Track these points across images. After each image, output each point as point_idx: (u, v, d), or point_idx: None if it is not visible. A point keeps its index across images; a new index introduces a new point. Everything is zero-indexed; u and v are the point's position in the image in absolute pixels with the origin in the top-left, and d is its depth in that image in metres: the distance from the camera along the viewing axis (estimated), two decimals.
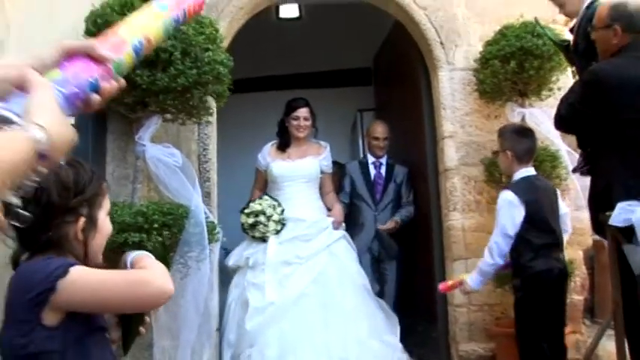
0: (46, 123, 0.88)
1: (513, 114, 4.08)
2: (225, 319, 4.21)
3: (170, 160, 3.01)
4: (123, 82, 1.11)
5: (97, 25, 2.75)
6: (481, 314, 4.31)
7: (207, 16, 3.13)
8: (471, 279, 3.52)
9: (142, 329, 1.57)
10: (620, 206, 2.83)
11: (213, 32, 2.91)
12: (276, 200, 4.31)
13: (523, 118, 4.04)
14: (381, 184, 4.99)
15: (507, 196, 3.35)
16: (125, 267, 1.54)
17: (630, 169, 2.77)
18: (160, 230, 2.69)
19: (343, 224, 4.63)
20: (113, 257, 1.62)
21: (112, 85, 1.07)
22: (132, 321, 1.54)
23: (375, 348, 4.13)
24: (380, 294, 4.77)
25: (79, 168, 1.53)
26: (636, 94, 2.72)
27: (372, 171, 5.04)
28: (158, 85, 2.69)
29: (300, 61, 6.87)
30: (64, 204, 1.48)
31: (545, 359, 3.25)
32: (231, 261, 4.34)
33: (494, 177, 4.10)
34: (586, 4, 3.26)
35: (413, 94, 4.86)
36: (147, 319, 1.58)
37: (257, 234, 4.22)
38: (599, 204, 3.01)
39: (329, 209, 4.56)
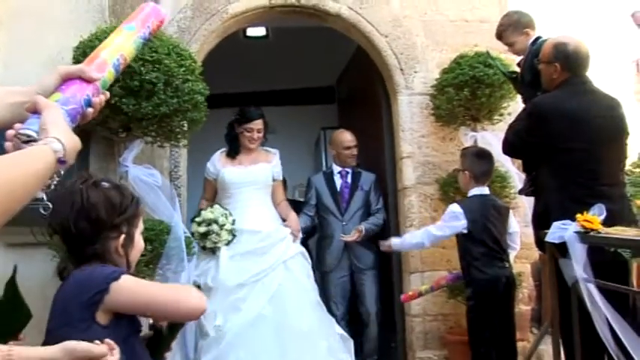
0: (61, 136, 1.16)
1: (466, 137, 4.52)
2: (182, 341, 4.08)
3: (150, 180, 3.35)
4: (107, 94, 1.43)
5: (86, 55, 3.06)
6: (436, 324, 4.72)
7: (186, 49, 3.48)
8: (394, 241, 4.23)
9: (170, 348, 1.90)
10: (556, 225, 3.24)
11: (192, 64, 3.26)
12: (226, 209, 4.24)
13: (475, 141, 4.48)
14: (347, 193, 4.96)
15: (453, 208, 3.90)
16: None
17: (566, 193, 3.20)
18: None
19: (300, 234, 4.57)
20: None
21: (100, 99, 1.38)
22: (162, 333, 1.87)
23: None
24: (356, 308, 4.90)
25: (123, 191, 1.86)
26: (570, 125, 3.15)
27: (338, 181, 5.02)
28: (142, 113, 3.02)
29: (265, 78, 7.21)
30: (110, 221, 1.77)
31: None
32: (182, 281, 4.06)
33: (449, 195, 4.53)
34: (531, 41, 3.74)
35: (374, 115, 5.26)
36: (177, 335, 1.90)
37: (208, 244, 4.08)
38: (541, 223, 3.43)
39: (283, 220, 4.50)
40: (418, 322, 4.72)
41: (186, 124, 3.29)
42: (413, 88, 4.85)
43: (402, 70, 4.88)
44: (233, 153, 4.54)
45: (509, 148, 3.64)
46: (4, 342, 1.57)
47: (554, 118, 3.20)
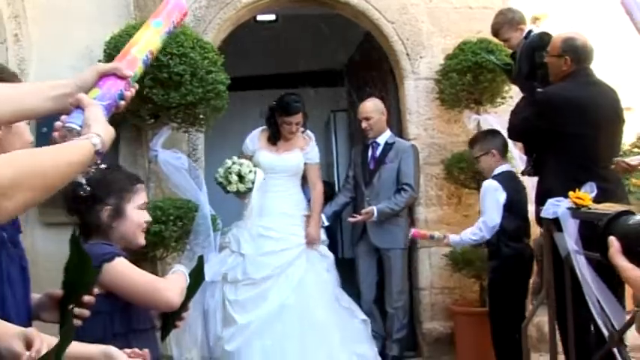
0: (101, 131, 1.39)
1: (469, 120, 4.90)
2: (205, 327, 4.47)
3: (178, 163, 3.76)
4: (136, 86, 1.63)
5: (118, 49, 3.44)
6: (441, 296, 5.13)
7: (209, 42, 3.86)
8: (453, 238, 4.40)
9: (178, 323, 2.16)
10: (550, 201, 3.62)
11: (215, 56, 3.64)
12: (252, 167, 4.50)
13: (478, 123, 4.85)
14: (373, 166, 4.96)
15: (492, 184, 4.18)
16: None
17: (570, 175, 3.57)
18: (174, 221, 3.43)
19: (323, 237, 4.81)
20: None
21: (131, 92, 1.59)
22: (170, 315, 2.14)
23: (345, 359, 4.46)
24: (379, 287, 5.00)
25: (115, 170, 2.21)
26: (579, 113, 3.52)
27: (369, 153, 5.02)
28: (170, 102, 3.42)
29: (275, 62, 7.56)
30: (97, 195, 2.06)
31: (516, 343, 4.02)
32: (208, 276, 4.29)
33: (453, 175, 4.92)
34: (524, 35, 4.11)
35: (382, 98, 5.62)
36: (184, 315, 2.16)
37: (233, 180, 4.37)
38: (543, 201, 3.81)
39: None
40: (425, 294, 5.13)
41: (209, 111, 3.67)
42: (419, 73, 5.22)
43: (408, 55, 5.24)
44: (273, 138, 4.79)
45: (515, 132, 4.02)
46: (78, 297, 1.94)
47: (563, 106, 3.57)
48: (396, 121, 5.42)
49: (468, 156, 4.71)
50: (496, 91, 4.85)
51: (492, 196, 4.17)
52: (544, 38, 3.97)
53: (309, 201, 4.94)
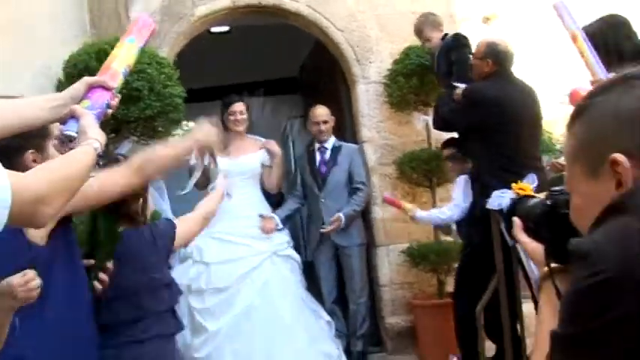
0: (97, 136, 1.64)
1: (418, 121, 5.23)
2: None
3: None
4: (119, 97, 1.91)
5: (77, 68, 3.67)
6: (401, 291, 5.43)
7: (165, 57, 4.11)
8: (420, 214, 4.76)
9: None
10: (495, 193, 3.94)
11: (171, 71, 3.89)
12: None
13: (427, 124, 5.18)
14: (325, 169, 5.21)
15: (464, 177, 4.49)
16: None
17: (496, 163, 3.94)
18: None
19: (287, 238, 5.02)
20: None
21: (115, 101, 1.87)
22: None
23: (311, 358, 4.63)
24: (340, 288, 5.27)
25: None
26: (496, 108, 3.91)
27: (318, 157, 5.26)
28: (129, 116, 3.65)
29: (230, 72, 7.80)
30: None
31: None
32: None
33: (406, 174, 5.23)
34: (441, 37, 4.72)
35: (335, 103, 5.92)
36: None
37: None
38: (483, 194, 4.13)
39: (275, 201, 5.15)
40: (386, 290, 5.42)
41: (167, 124, 3.91)
42: (369, 78, 5.53)
43: (358, 61, 5.55)
44: (226, 142, 4.88)
45: (442, 123, 4.54)
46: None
47: (483, 102, 4.02)
48: (349, 124, 5.73)
49: (418, 155, 5.05)
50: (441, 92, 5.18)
51: (464, 186, 4.48)
52: (459, 39, 4.57)
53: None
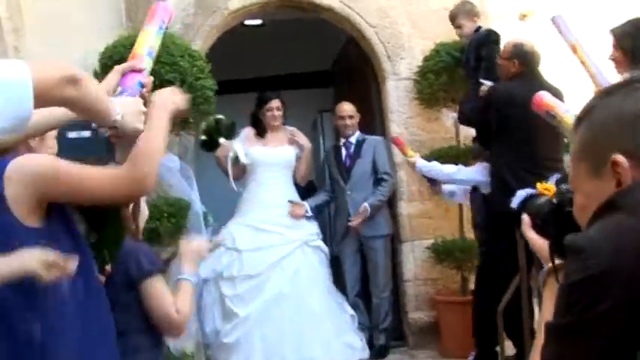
0: (121, 109, 1.70)
1: (447, 118, 5.31)
2: (201, 320, 4.80)
3: (170, 164, 4.15)
4: (151, 78, 2.01)
5: (113, 60, 3.82)
6: (425, 287, 5.51)
7: (198, 51, 4.24)
8: (421, 162, 4.86)
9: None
10: (519, 193, 4.01)
11: (203, 64, 4.03)
12: None
13: (455, 121, 5.24)
14: (349, 162, 5.41)
15: (486, 164, 4.54)
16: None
17: (521, 165, 3.99)
18: (168, 218, 3.81)
19: (317, 230, 5.23)
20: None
21: (148, 80, 1.98)
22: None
23: (337, 349, 4.86)
24: (363, 282, 5.40)
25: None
26: (519, 109, 3.95)
27: (343, 152, 5.49)
28: None
29: (263, 65, 7.93)
30: None
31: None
32: (203, 273, 4.73)
33: None
34: (474, 29, 4.76)
35: (366, 98, 6.02)
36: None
37: None
38: (504, 193, 4.19)
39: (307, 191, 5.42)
40: (410, 285, 5.50)
41: (198, 116, 4.05)
42: (399, 74, 5.60)
43: (389, 57, 5.62)
44: (261, 133, 5.30)
45: (466, 120, 4.66)
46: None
47: (508, 102, 4.07)
48: (378, 120, 5.81)
49: (446, 152, 5.12)
50: None
51: (482, 169, 4.54)
52: (490, 35, 4.65)
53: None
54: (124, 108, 1.71)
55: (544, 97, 3.28)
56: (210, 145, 4.80)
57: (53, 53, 4.38)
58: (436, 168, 4.79)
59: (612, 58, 3.35)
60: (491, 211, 4.33)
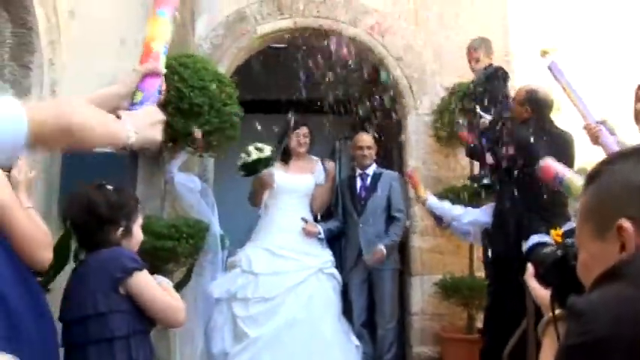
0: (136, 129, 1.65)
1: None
2: (209, 340, 4.85)
3: (191, 186, 4.28)
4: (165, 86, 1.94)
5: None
6: (431, 322, 5.59)
7: (226, 77, 4.38)
8: (433, 201, 5.00)
9: None
10: (533, 237, 4.11)
11: (231, 90, 4.16)
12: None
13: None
14: (364, 195, 5.44)
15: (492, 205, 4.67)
16: None
17: (533, 212, 4.10)
18: (187, 239, 3.92)
19: (330, 257, 5.27)
20: (151, 258, 2.72)
21: (165, 86, 1.91)
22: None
23: None
24: (370, 312, 5.43)
25: (123, 192, 2.57)
26: (531, 153, 4.05)
27: (358, 183, 5.52)
28: (188, 130, 3.93)
29: (284, 87, 8.04)
30: (109, 216, 2.41)
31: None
32: (217, 293, 4.89)
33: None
34: (483, 67, 5.04)
35: (385, 130, 6.12)
36: None
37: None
38: (520, 235, 4.30)
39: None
40: (416, 319, 5.58)
41: (223, 139, 4.18)
42: (420, 109, 5.74)
43: (411, 91, 5.75)
44: (286, 158, 5.42)
45: (472, 154, 4.86)
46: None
47: (519, 146, 4.22)
48: (396, 153, 5.92)
49: (459, 190, 5.22)
50: None
51: (488, 210, 4.64)
52: (499, 71, 4.89)
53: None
54: (136, 123, 1.63)
55: (551, 165, 3.44)
56: (249, 170, 4.89)
57: (85, 67, 4.52)
58: (445, 208, 4.90)
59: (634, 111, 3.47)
60: (494, 251, 4.43)
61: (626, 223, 1.12)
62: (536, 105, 4.27)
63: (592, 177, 1.26)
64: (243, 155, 4.89)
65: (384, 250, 5.19)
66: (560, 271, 1.61)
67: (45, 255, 2.06)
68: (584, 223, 1.25)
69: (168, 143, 4.16)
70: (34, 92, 4.50)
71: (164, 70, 1.86)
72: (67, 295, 2.47)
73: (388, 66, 5.79)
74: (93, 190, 2.47)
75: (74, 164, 4.05)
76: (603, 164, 1.27)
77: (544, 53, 8.44)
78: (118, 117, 1.62)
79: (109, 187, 2.51)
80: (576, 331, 1.07)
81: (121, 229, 2.47)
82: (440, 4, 5.92)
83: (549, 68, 3.91)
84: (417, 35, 5.83)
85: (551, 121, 4.36)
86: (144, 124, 1.66)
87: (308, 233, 5.23)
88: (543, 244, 1.96)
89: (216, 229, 4.35)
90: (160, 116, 1.72)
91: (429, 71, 5.80)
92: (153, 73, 1.83)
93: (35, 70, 4.48)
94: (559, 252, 1.68)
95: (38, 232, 2.02)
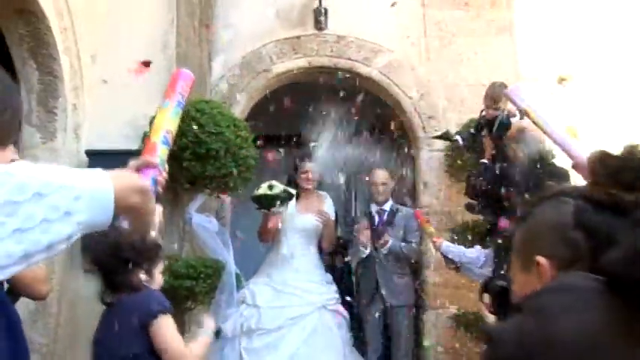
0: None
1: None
2: None
3: (209, 226, 4.51)
4: (167, 168, 1.92)
5: None
6: (446, 356, 5.73)
7: (241, 121, 4.63)
8: (447, 245, 5.04)
9: None
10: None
11: (247, 134, 4.40)
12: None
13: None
14: (381, 231, 5.56)
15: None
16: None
17: None
18: (204, 279, 4.14)
19: (336, 295, 5.40)
20: (170, 297, 2.89)
21: (163, 177, 1.90)
22: None
23: None
24: (386, 348, 5.58)
25: (146, 238, 2.65)
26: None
27: (376, 219, 5.68)
28: (206, 174, 4.16)
29: (297, 122, 8.28)
30: (133, 259, 2.61)
31: None
32: (230, 332, 5.05)
33: (460, 243, 5.56)
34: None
35: (399, 166, 6.32)
36: None
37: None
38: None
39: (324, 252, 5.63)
40: (431, 354, 5.73)
41: (239, 182, 4.40)
42: (433, 145, 5.92)
43: (424, 128, 5.96)
44: (297, 195, 5.44)
45: (472, 194, 4.94)
46: None
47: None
48: (410, 189, 6.11)
49: (472, 226, 5.39)
50: None
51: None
52: (508, 119, 4.86)
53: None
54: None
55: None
56: (262, 204, 5.08)
57: (105, 112, 4.79)
58: (460, 251, 5.04)
59: None
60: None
61: (542, 260, 1.34)
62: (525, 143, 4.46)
63: (522, 218, 1.49)
64: (263, 186, 5.06)
65: (390, 243, 5.41)
66: (500, 300, 1.84)
67: (44, 288, 2.37)
68: (515, 259, 1.48)
69: (186, 185, 4.40)
70: (59, 136, 4.79)
71: (157, 161, 1.85)
72: (99, 338, 2.70)
73: (401, 103, 5.99)
74: (118, 233, 2.54)
75: None
76: (529, 207, 1.50)
77: (561, 80, 8.59)
78: None
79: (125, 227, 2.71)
80: (487, 353, 1.28)
81: (144, 272, 2.68)
82: (452, 43, 6.14)
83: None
84: (429, 73, 6.04)
85: (544, 158, 4.52)
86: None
87: (321, 216, 5.42)
88: (500, 277, 2.20)
89: (231, 268, 4.58)
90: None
91: (440, 108, 6.00)
92: (146, 166, 1.84)
93: (60, 115, 4.77)
94: (502, 283, 1.92)
95: (37, 268, 2.24)
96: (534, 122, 4.19)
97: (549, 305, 1.25)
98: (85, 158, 4.81)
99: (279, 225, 5.20)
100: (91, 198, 1.31)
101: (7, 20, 4.50)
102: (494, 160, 4.79)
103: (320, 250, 5.58)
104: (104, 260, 2.68)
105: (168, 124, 1.96)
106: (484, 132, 5.02)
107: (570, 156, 3.63)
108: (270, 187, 5.00)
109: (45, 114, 4.75)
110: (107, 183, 1.37)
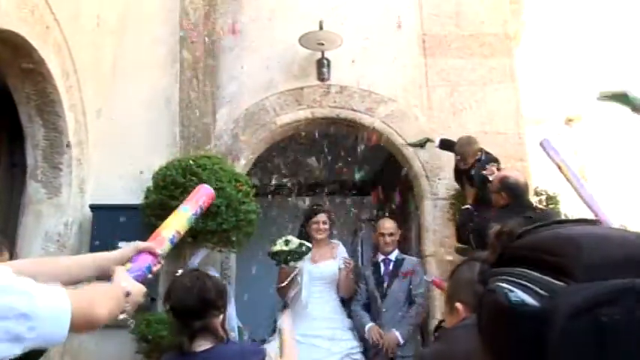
0: (129, 285, 1.78)
1: None
2: None
3: None
4: (162, 262, 2.09)
5: (165, 181, 4.32)
6: None
7: (242, 176, 4.74)
8: None
9: None
10: None
11: (247, 189, 4.50)
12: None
13: None
14: (387, 280, 5.57)
15: None
16: None
17: None
18: None
19: (357, 343, 5.41)
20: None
21: (158, 267, 2.08)
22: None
23: None
24: None
25: (221, 281, 2.82)
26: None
27: (382, 269, 5.66)
28: (207, 230, 4.25)
29: (305, 171, 8.40)
30: (216, 302, 2.57)
31: None
32: None
33: None
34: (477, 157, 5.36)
35: (403, 214, 6.41)
36: None
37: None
38: None
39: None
40: None
41: (241, 236, 4.50)
42: (436, 194, 6.00)
43: (427, 177, 6.04)
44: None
45: (463, 233, 5.11)
46: None
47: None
48: (415, 237, 6.17)
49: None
50: None
51: None
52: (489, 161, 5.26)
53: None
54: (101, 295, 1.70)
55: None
56: (280, 260, 5.16)
57: (109, 167, 4.93)
58: None
59: None
60: None
61: (459, 305, 1.92)
62: (510, 190, 4.53)
63: (451, 274, 2.14)
64: (279, 242, 5.09)
65: (400, 338, 5.35)
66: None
67: None
68: (446, 304, 2.07)
69: (188, 239, 4.49)
70: (64, 191, 4.93)
71: (160, 252, 2.03)
72: None
73: (404, 152, 6.09)
74: (202, 275, 2.67)
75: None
76: (456, 267, 2.15)
77: (569, 121, 8.69)
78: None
79: (214, 274, 2.82)
80: None
81: (222, 315, 2.64)
82: (452, 92, 6.27)
83: (542, 146, 4.21)
84: (431, 122, 6.15)
85: (530, 204, 4.65)
86: (131, 281, 1.87)
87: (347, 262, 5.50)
88: None
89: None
90: (121, 297, 1.77)
91: (443, 156, 6.09)
92: (149, 252, 2.00)
93: (65, 170, 4.92)
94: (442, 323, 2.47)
95: None
96: (566, 177, 4.28)
97: (456, 335, 1.82)
98: (89, 212, 4.94)
99: (298, 278, 5.26)
100: (45, 322, 1.38)
101: (15, 79, 4.68)
102: (477, 205, 4.93)
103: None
104: (187, 304, 2.57)
105: (181, 227, 2.20)
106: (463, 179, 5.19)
107: (595, 215, 3.77)
108: (287, 243, 5.06)
109: (50, 169, 4.90)
110: (65, 304, 1.44)
